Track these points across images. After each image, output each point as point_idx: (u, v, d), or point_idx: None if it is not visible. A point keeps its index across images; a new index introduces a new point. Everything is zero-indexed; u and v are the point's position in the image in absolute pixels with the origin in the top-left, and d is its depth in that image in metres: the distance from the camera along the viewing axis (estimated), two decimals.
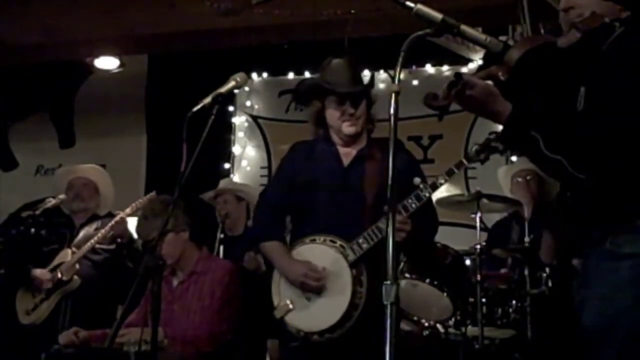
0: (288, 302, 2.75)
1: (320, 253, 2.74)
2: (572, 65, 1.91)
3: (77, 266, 4.16)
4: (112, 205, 4.57)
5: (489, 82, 1.90)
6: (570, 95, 1.85)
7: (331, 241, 2.74)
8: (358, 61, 3.03)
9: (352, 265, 2.67)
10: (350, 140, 2.93)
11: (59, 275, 4.10)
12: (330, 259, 2.71)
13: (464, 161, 2.74)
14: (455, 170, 2.78)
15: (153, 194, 4.07)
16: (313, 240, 2.77)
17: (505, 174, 4.44)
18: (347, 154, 2.92)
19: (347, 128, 2.89)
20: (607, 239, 1.78)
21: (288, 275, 2.77)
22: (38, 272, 4.15)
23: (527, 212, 3.96)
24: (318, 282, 2.70)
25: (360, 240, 2.69)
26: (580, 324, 1.81)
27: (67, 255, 4.20)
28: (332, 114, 2.91)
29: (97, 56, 5.96)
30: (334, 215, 2.79)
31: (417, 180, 2.65)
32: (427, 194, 2.66)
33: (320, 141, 2.99)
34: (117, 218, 4.12)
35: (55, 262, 4.20)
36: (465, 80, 1.83)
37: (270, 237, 2.87)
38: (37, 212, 4.35)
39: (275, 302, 2.79)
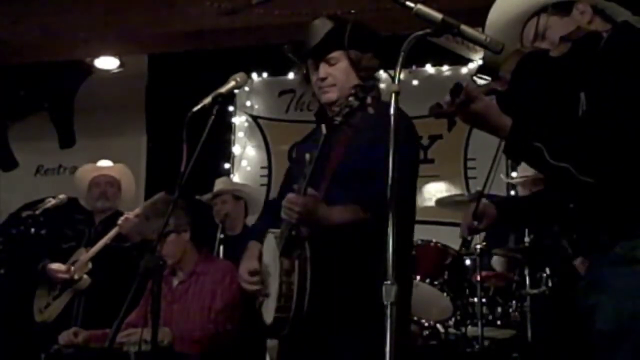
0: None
1: (267, 246, 2.54)
2: (569, 72, 1.91)
3: (90, 265, 4.15)
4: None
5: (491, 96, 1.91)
6: (570, 102, 1.84)
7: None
8: (345, 19, 2.49)
9: (283, 254, 2.37)
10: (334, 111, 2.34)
11: (72, 271, 4.10)
12: (272, 251, 2.48)
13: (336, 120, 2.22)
14: (324, 131, 2.24)
15: (162, 194, 4.04)
16: (270, 232, 2.51)
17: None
18: None
19: (322, 96, 2.45)
20: (618, 244, 1.77)
21: None
22: (55, 265, 4.15)
23: None
24: (250, 285, 2.51)
25: (282, 228, 2.39)
26: (593, 328, 1.79)
27: (82, 253, 4.20)
28: (313, 83, 2.48)
29: (97, 56, 5.96)
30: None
31: (307, 156, 2.28)
32: (309, 170, 2.27)
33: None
34: (122, 218, 4.11)
35: (72, 259, 4.19)
36: (468, 89, 1.82)
37: (252, 238, 2.68)
38: (37, 212, 4.34)
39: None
